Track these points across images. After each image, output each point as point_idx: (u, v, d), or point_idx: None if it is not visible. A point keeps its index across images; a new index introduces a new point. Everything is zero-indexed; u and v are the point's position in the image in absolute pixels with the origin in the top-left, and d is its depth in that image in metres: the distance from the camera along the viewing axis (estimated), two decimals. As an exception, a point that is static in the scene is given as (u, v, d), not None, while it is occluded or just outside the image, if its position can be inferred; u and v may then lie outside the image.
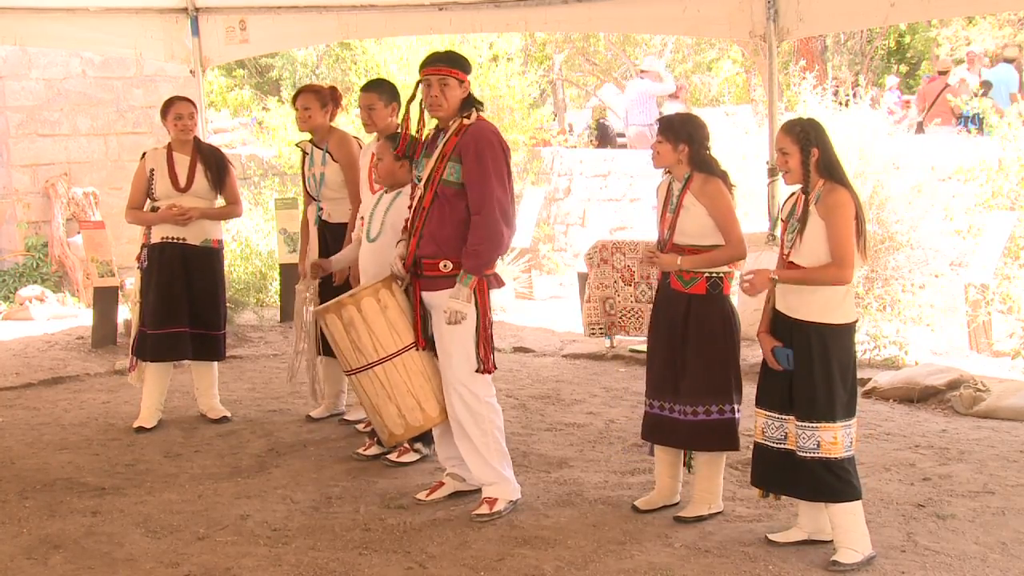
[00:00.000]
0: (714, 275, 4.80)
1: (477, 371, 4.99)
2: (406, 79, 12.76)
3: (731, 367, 4.81)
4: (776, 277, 4.47)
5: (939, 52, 18.18)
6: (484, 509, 5.04)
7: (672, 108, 14.12)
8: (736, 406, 4.79)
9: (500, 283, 5.16)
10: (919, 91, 15.71)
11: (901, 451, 5.94)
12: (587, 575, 4.38)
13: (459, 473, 5.30)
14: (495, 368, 5.08)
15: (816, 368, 4.41)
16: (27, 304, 10.30)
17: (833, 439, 4.40)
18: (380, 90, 6.07)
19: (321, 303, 6.32)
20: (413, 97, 5.09)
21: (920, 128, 12.95)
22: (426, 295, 5.04)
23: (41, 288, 10.59)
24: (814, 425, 4.41)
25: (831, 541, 4.50)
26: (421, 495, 5.30)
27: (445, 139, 4.98)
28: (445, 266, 4.96)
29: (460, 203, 4.93)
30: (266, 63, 18.95)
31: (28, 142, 11.12)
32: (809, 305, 4.43)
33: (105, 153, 11.61)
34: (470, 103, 5.01)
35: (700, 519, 4.89)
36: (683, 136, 4.79)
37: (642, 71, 15.21)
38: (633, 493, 5.26)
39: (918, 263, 9.28)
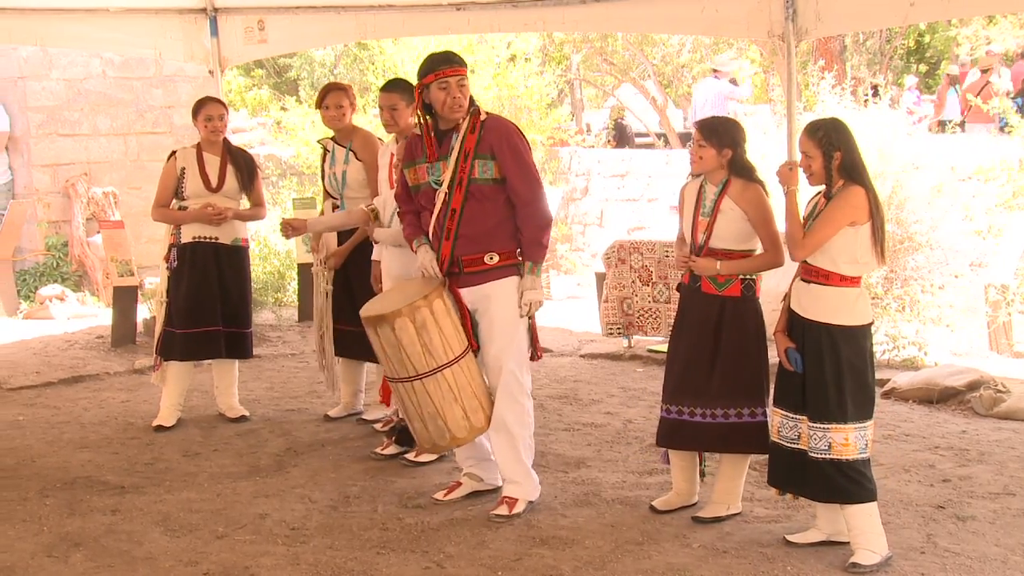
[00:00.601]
0: (748, 278, 4.78)
1: (531, 358, 5.08)
2: (424, 79, 12.79)
3: (763, 369, 4.78)
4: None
5: (959, 52, 18.10)
6: (503, 510, 5.03)
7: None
8: (767, 408, 4.77)
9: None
10: (938, 91, 15.65)
11: (921, 452, 5.91)
12: (605, 575, 4.38)
13: (477, 473, 5.31)
14: (542, 355, 5.17)
15: (827, 369, 4.39)
16: (47, 303, 10.36)
17: (844, 440, 4.38)
18: (402, 90, 6.05)
19: (335, 295, 6.38)
20: (420, 103, 4.99)
21: (962, 127, 12.90)
22: (470, 291, 5.01)
23: (61, 287, 10.64)
24: (825, 426, 4.40)
25: (849, 542, 4.49)
26: (439, 495, 5.30)
27: (461, 137, 4.94)
28: (491, 258, 4.98)
29: (499, 198, 4.94)
30: (284, 63, 19.00)
31: (49, 142, 11.18)
32: (821, 306, 4.42)
33: (124, 153, 11.66)
34: (471, 100, 5.03)
35: (718, 520, 4.88)
36: (727, 141, 4.75)
37: (716, 70, 14.99)
38: (651, 493, 5.26)
39: (938, 263, 9.23)
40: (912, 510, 5.02)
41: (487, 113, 5.05)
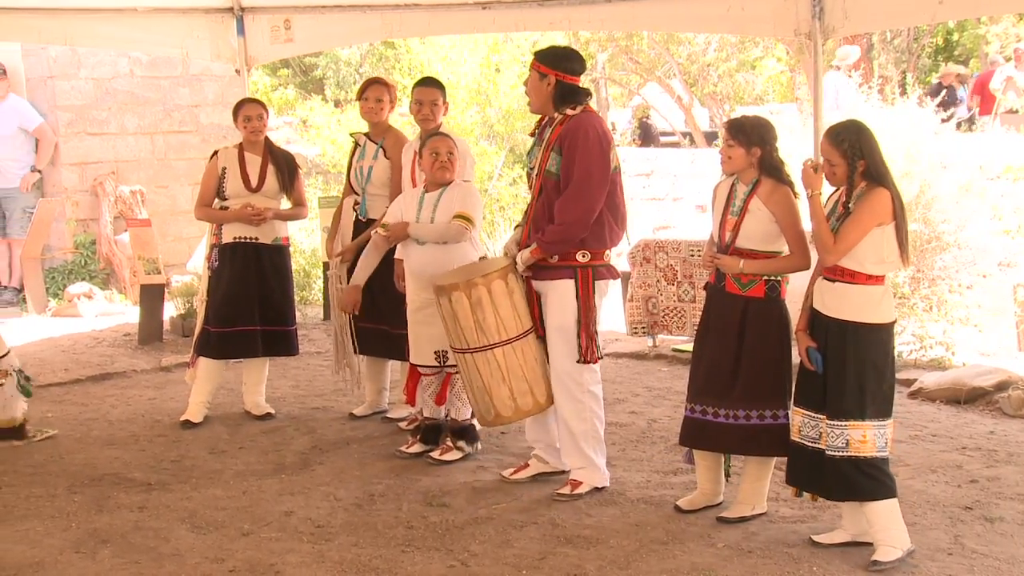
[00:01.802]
0: (772, 279, 4.76)
1: (578, 361, 5.08)
2: (450, 77, 12.82)
3: (785, 372, 4.75)
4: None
5: (988, 50, 17.96)
6: (566, 489, 5.18)
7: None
8: (789, 411, 4.74)
9: (614, 274, 5.30)
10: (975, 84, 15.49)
11: (948, 453, 5.87)
12: (629, 574, 4.37)
13: (544, 456, 5.42)
14: (599, 358, 5.17)
15: (848, 367, 4.38)
16: (76, 301, 10.42)
17: (863, 438, 4.36)
18: (442, 88, 6.21)
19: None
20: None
21: (970, 124, 12.79)
22: (535, 284, 5.18)
23: (89, 285, 10.70)
24: (843, 423, 4.38)
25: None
26: (506, 472, 5.47)
27: (551, 130, 5.13)
28: (552, 256, 5.09)
29: (557, 195, 5.06)
30: (310, 62, 19.07)
31: (77, 141, 11.25)
32: (847, 304, 4.40)
33: (152, 152, 11.71)
34: (569, 97, 5.11)
35: (743, 520, 4.87)
36: (755, 139, 4.73)
37: (837, 66, 14.78)
38: (675, 493, 5.25)
39: (966, 263, 9.16)
40: (939, 511, 4.99)
41: (585, 109, 5.14)
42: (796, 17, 6.76)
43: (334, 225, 6.68)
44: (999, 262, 9.06)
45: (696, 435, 4.91)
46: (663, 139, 18.49)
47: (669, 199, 12.56)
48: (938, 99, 10.49)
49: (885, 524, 4.40)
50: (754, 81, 17.81)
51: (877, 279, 4.41)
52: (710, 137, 16.14)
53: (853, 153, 4.37)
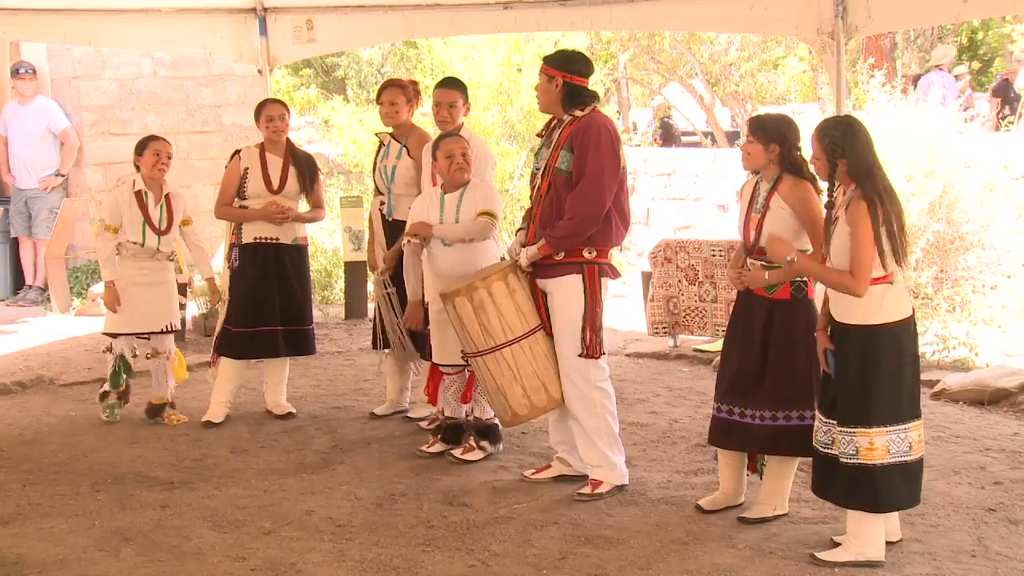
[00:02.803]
0: (798, 279, 4.72)
1: (580, 355, 5.11)
2: (472, 77, 12.81)
3: (812, 373, 4.70)
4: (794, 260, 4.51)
5: (1013, 48, 17.83)
6: (587, 489, 5.21)
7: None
8: (815, 412, 4.70)
9: (615, 274, 5.32)
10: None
11: (971, 454, 5.84)
12: (650, 575, 4.36)
13: (566, 458, 5.44)
14: (602, 354, 5.19)
15: (854, 371, 4.32)
16: (99, 300, 10.48)
17: (870, 444, 4.29)
18: (461, 88, 6.22)
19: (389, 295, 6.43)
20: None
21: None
22: (540, 282, 5.22)
23: (113, 285, 10.77)
24: (852, 430, 4.33)
25: (899, 540, 4.45)
26: (528, 472, 5.51)
27: (560, 130, 5.19)
28: (558, 253, 5.12)
29: (567, 192, 5.10)
30: (332, 62, 19.13)
31: (101, 141, 11.32)
32: (850, 308, 4.35)
33: (174, 152, 11.69)
34: (576, 99, 5.16)
35: (764, 520, 4.85)
36: (775, 136, 4.72)
37: (938, 66, 14.71)
38: (696, 493, 5.24)
39: (989, 263, 9.10)
40: (962, 513, 4.96)
41: (593, 111, 5.20)
42: (819, 16, 6.73)
43: (371, 234, 6.68)
44: (1023, 262, 9.00)
45: (723, 435, 4.91)
46: (685, 139, 18.43)
47: (691, 199, 12.52)
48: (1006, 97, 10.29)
49: (856, 532, 4.36)
50: (776, 81, 17.75)
51: (876, 280, 4.30)
52: (732, 137, 16.08)
53: (834, 150, 4.32)
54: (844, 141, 4.32)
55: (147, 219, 6.60)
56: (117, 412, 6.82)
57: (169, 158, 6.65)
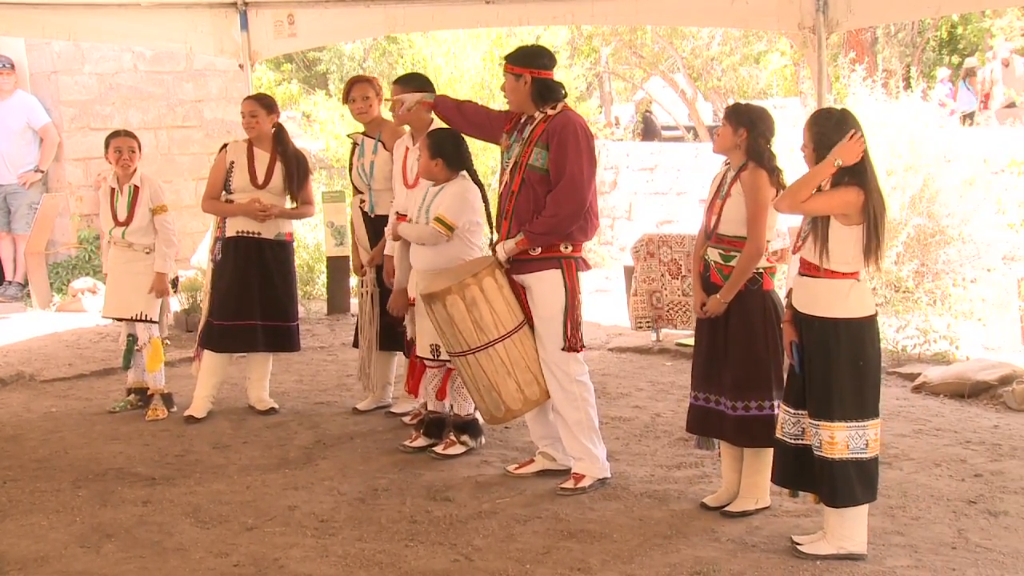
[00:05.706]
0: (754, 271, 4.76)
1: (563, 349, 5.15)
2: (452, 72, 12.81)
3: (771, 363, 4.74)
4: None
5: (992, 43, 17.93)
6: (569, 483, 5.23)
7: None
8: (776, 402, 4.71)
9: (587, 266, 5.38)
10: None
11: (952, 447, 5.87)
12: (633, 568, 4.37)
13: (550, 452, 5.47)
14: (583, 347, 5.25)
15: (819, 364, 4.33)
16: (80, 296, 10.44)
17: (831, 439, 4.29)
18: (419, 84, 6.09)
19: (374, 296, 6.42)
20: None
21: (971, 118, 12.80)
22: (518, 277, 5.24)
23: (93, 280, 10.71)
24: (817, 423, 4.34)
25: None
26: (511, 467, 5.52)
27: (533, 127, 5.18)
28: (535, 248, 5.14)
29: (543, 188, 5.11)
30: (313, 57, 19.09)
31: (81, 136, 11.26)
32: (811, 299, 4.36)
33: (155, 147, 11.71)
34: (547, 93, 5.17)
35: (746, 514, 4.86)
36: (744, 122, 4.77)
37: (1004, 60, 14.82)
38: (679, 487, 5.25)
39: (970, 257, 9.15)
40: (943, 505, 4.98)
41: (564, 107, 5.21)
42: (800, 11, 6.76)
43: (355, 237, 6.67)
44: (1003, 256, 9.05)
45: (700, 422, 4.96)
46: (666, 133, 18.48)
47: (673, 193, 12.56)
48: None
49: (838, 525, 4.37)
50: (758, 75, 17.82)
51: (844, 275, 4.31)
52: (714, 131, 16.12)
53: (821, 141, 4.34)
54: (835, 132, 4.31)
55: (112, 210, 6.68)
56: (124, 406, 6.91)
57: (133, 152, 6.65)
